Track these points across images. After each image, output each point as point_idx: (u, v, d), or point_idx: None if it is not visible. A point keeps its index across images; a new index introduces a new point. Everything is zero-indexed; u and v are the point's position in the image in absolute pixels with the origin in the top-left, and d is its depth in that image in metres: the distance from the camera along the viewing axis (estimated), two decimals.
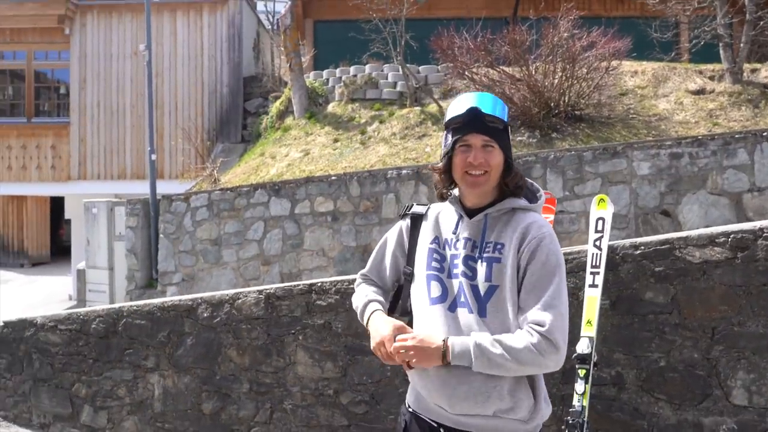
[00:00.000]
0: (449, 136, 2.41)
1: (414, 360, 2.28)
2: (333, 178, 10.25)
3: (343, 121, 13.03)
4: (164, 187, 13.83)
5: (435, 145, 11.34)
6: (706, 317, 3.67)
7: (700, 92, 11.48)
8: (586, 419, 3.51)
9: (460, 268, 2.37)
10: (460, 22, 12.21)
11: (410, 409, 2.50)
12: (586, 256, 3.94)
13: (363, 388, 4.38)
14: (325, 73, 14.43)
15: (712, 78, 11.80)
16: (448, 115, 2.42)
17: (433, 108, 12.33)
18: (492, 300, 2.30)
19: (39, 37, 17.30)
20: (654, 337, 3.77)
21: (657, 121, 10.92)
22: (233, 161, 14.69)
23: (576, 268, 3.99)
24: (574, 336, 3.84)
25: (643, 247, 3.86)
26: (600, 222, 4.06)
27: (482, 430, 2.31)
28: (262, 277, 10.45)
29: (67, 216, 18.97)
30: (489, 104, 2.36)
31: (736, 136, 8.72)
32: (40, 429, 5.71)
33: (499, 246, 2.35)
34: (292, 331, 4.65)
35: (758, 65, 12.12)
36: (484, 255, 2.35)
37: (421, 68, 13.26)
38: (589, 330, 3.76)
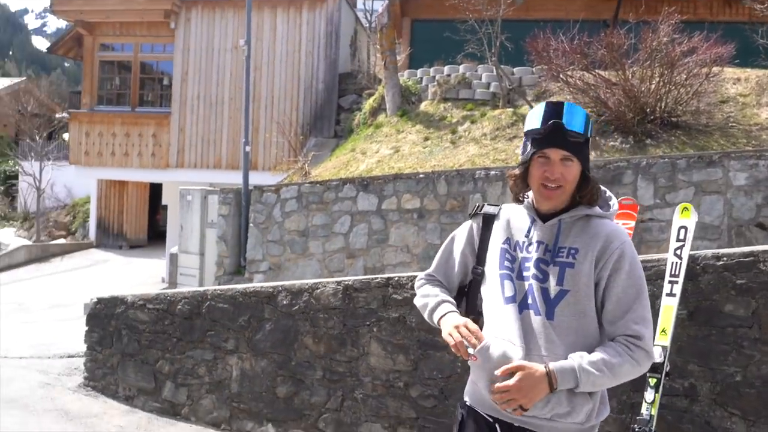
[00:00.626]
0: (528, 145, 2.42)
1: (525, 404, 2.26)
2: (421, 175, 10.30)
3: (434, 120, 13.07)
4: (257, 179, 14.18)
5: None
6: None
7: None
8: (653, 428, 3.46)
9: (531, 271, 2.38)
10: (557, 24, 12.06)
11: (468, 404, 2.52)
12: (665, 264, 3.87)
13: (433, 382, 4.43)
14: (419, 72, 14.50)
15: None
16: (529, 125, 2.42)
17: (525, 110, 12.21)
18: (561, 304, 2.31)
19: (146, 31, 18.03)
20: (731, 350, 3.67)
21: (758, 130, 10.51)
22: (325, 155, 14.93)
23: (654, 276, 3.92)
24: None
25: (725, 258, 3.77)
26: (682, 231, 3.98)
27: (539, 429, 2.33)
28: (347, 270, 10.60)
29: (164, 202, 19.69)
30: (573, 119, 2.34)
31: None
32: (125, 401, 5.99)
33: (573, 251, 2.36)
34: (367, 323, 4.73)
35: None
36: (557, 259, 2.36)
37: (515, 69, 13.16)
38: (663, 339, 3.70)
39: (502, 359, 2.30)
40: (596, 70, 11.02)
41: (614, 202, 2.49)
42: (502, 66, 12.80)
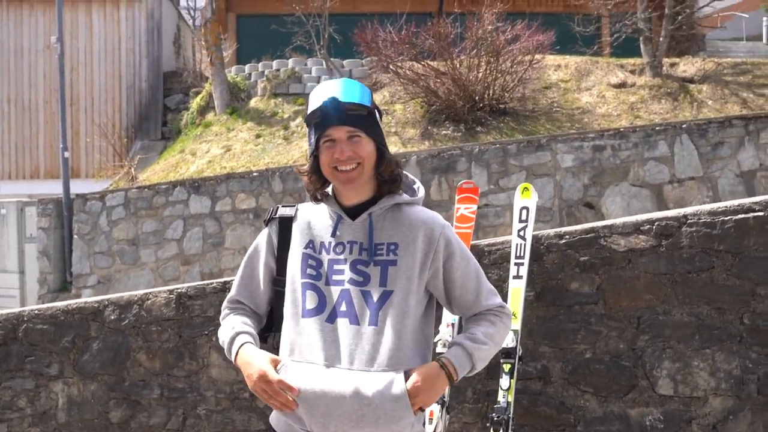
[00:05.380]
0: (312, 133, 2.20)
1: (426, 405, 2.12)
2: (255, 174, 9.97)
3: (265, 116, 12.73)
4: (80, 187, 13.27)
5: None
6: (631, 307, 3.57)
7: (621, 86, 11.61)
8: (511, 415, 3.37)
9: (346, 275, 2.15)
10: (384, 16, 12.06)
11: None
12: (510, 246, 3.81)
13: None
14: (247, 67, 14.10)
15: (633, 72, 11.95)
16: (308, 110, 2.20)
17: None
18: (385, 306, 2.10)
19: None
20: (580, 328, 3.66)
21: (580, 114, 11.00)
22: (153, 158, 14.20)
23: (500, 260, 3.85)
24: None
25: (567, 237, 3.75)
26: (524, 211, 3.93)
27: None
28: (182, 277, 10.10)
29: None
30: (348, 91, 2.16)
31: (657, 128, 8.82)
32: None
33: (392, 247, 2.17)
34: (205, 332, 4.39)
35: (677, 59, 12.34)
36: (377, 258, 2.16)
37: (345, 62, 13.06)
38: (514, 323, 3.63)
39: (308, 385, 2.07)
40: (425, 61, 11.12)
41: (419, 187, 2.34)
42: (332, 59, 12.66)
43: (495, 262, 3.87)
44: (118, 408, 4.64)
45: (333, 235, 2.21)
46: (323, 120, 2.15)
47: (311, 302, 2.14)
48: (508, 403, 3.42)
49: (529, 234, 3.79)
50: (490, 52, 10.64)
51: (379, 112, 2.24)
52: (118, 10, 15.91)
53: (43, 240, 11.30)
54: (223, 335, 2.29)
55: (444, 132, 10.72)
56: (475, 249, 3.90)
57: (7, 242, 11.69)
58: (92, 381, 4.72)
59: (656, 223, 3.57)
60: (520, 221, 3.88)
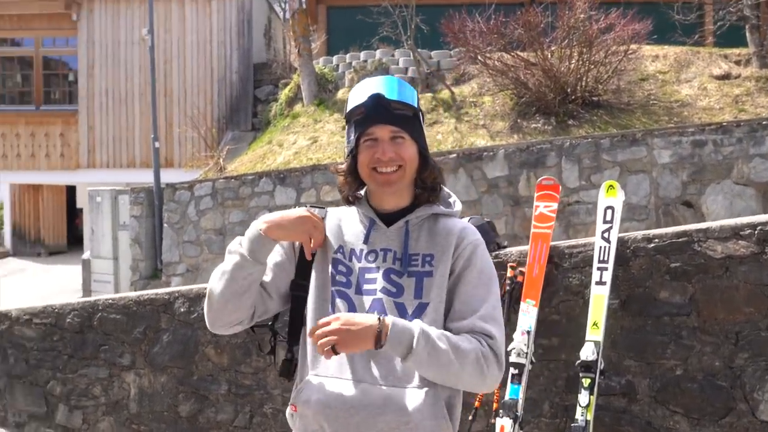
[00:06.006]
0: (352, 131, 2.03)
1: (340, 345, 1.78)
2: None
3: None
4: (173, 176, 13.53)
5: (446, 133, 10.93)
6: (728, 320, 3.24)
7: (725, 77, 10.95)
8: None
9: (379, 284, 1.97)
10: (473, 7, 11.75)
11: None
12: (593, 249, 3.53)
13: None
14: (335, 59, 14.04)
15: (737, 62, 11.25)
16: (348, 106, 2.03)
17: (445, 94, 11.90)
18: (421, 319, 1.92)
19: (47, 24, 16.98)
20: (669, 341, 3.35)
21: (679, 107, 10.43)
22: (242, 149, 14.34)
23: (582, 263, 3.58)
24: (578, 340, 3.45)
25: (657, 240, 3.44)
26: (609, 211, 3.63)
27: None
28: None
29: (78, 205, 18.78)
30: (394, 88, 1.98)
31: (764, 122, 8.23)
32: (16, 428, 5.40)
33: (428, 258, 1.99)
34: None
35: None
36: (412, 269, 1.98)
37: (433, 53, 12.82)
38: (595, 333, 3.36)
39: (336, 401, 1.90)
40: (515, 51, 10.76)
41: (455, 200, 2.15)
42: (419, 50, 12.45)
43: (576, 266, 3.60)
44: (187, 402, 4.59)
45: (365, 242, 2.03)
46: (366, 117, 1.98)
47: (342, 310, 1.96)
48: (587, 422, 3.15)
49: (614, 236, 3.50)
50: (582, 42, 10.20)
51: (423, 114, 2.06)
52: (209, 2, 16.11)
53: (135, 228, 11.55)
54: (213, 281, 2.10)
55: (534, 125, 10.37)
56: (555, 251, 3.64)
57: (102, 229, 11.99)
58: (162, 373, 4.69)
59: (758, 228, 3.22)
60: (605, 222, 3.59)
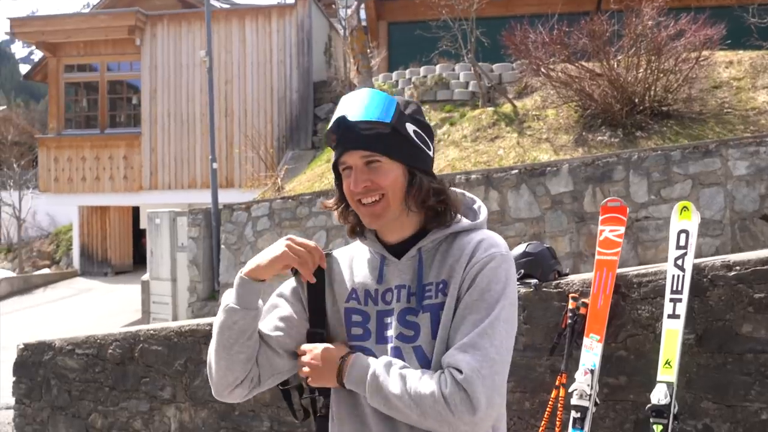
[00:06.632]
0: (333, 159, 1.80)
1: (310, 380, 1.73)
2: None
3: None
4: (233, 197, 13.53)
5: (508, 147, 10.56)
6: None
7: None
8: None
9: (395, 329, 1.69)
10: (535, 18, 11.38)
11: None
12: (664, 278, 3.16)
13: None
14: (394, 75, 13.83)
15: None
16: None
17: (507, 108, 11.53)
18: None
19: (111, 49, 17.36)
20: (754, 382, 2.96)
21: (756, 115, 9.83)
22: (301, 168, 14.24)
23: (652, 294, 3.21)
24: (648, 378, 3.08)
25: (738, 268, 3.05)
26: (683, 236, 3.26)
27: None
28: None
29: (142, 226, 19.03)
30: (359, 106, 1.71)
31: None
32: None
33: (441, 286, 1.69)
34: None
35: None
36: (425, 302, 1.68)
37: (494, 66, 12.48)
38: (667, 373, 2.98)
39: None
40: (579, 62, 10.34)
41: (480, 206, 1.85)
42: (480, 63, 12.12)
43: (646, 297, 3.23)
44: None
45: (379, 281, 1.75)
46: (337, 144, 1.73)
47: None
48: None
49: (689, 264, 3.13)
50: (650, 50, 9.71)
51: (419, 123, 1.76)
52: (269, 22, 16.14)
53: (193, 249, 11.50)
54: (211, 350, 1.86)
55: (600, 138, 9.91)
56: (622, 280, 3.27)
57: (161, 251, 12.01)
58: (203, 408, 4.47)
59: None
60: (678, 247, 3.21)
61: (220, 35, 15.78)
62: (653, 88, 9.89)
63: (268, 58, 16.13)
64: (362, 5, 14.88)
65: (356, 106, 1.71)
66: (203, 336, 4.47)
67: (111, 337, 4.93)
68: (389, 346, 1.69)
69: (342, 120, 1.69)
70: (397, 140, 1.72)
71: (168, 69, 16.59)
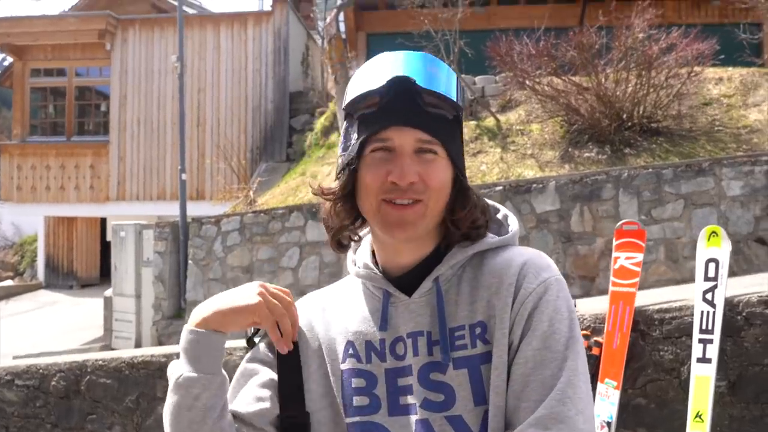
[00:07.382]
0: (353, 131, 1.25)
1: None
2: None
3: None
4: (203, 209, 13.01)
5: (491, 163, 10.15)
6: None
7: None
8: None
9: (418, 394, 1.19)
10: (520, 31, 11.04)
11: None
12: (691, 314, 2.71)
13: None
14: None
15: None
16: (351, 93, 1.25)
17: (489, 122, 11.14)
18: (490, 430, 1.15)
19: (80, 54, 16.73)
20: None
21: (748, 133, 9.53)
22: (275, 180, 13.74)
23: (676, 333, 2.76)
24: (672, 431, 2.64)
25: None
26: (711, 265, 2.81)
27: None
28: None
29: (108, 238, 18.43)
30: (429, 71, 1.20)
31: None
32: None
33: (479, 331, 1.19)
34: None
35: None
36: (457, 354, 1.19)
37: (477, 79, 12.12)
38: (699, 428, 2.52)
39: None
40: (566, 75, 9.98)
41: (507, 215, 1.35)
42: (462, 75, 11.73)
43: (669, 336, 2.78)
44: None
45: (383, 327, 1.25)
46: (380, 113, 1.19)
47: None
48: None
49: (719, 299, 2.68)
50: (641, 64, 9.37)
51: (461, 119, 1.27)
52: (245, 29, 15.66)
53: (158, 264, 10.95)
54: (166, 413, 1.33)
55: (587, 154, 9.55)
56: (641, 316, 2.82)
57: (125, 265, 11.43)
58: None
59: None
60: (707, 279, 2.76)
61: (194, 42, 15.27)
62: (643, 103, 9.58)
63: (243, 66, 15.63)
64: (341, 14, 14.45)
65: (419, 68, 1.20)
66: (158, 369, 3.96)
67: (55, 368, 4.39)
68: (413, 418, 1.20)
69: (404, 81, 1.18)
70: (458, 132, 1.26)
71: (139, 75, 16.03)
